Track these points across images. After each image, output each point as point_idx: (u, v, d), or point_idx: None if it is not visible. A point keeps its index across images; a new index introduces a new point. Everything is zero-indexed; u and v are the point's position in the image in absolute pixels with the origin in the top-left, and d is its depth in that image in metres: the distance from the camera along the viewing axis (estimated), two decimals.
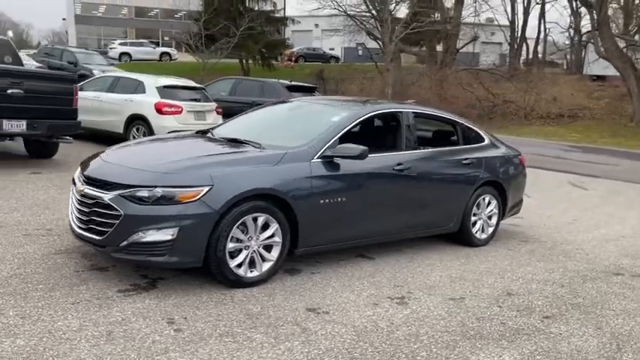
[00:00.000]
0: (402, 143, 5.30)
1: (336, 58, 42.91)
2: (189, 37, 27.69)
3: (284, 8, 37.56)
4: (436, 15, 30.29)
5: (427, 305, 4.18)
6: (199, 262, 3.97)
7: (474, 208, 5.88)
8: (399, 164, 5.09)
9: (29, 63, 17.53)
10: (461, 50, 33.72)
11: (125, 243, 3.86)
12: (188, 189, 3.90)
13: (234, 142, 4.79)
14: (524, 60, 39.59)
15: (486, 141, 6.20)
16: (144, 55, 35.41)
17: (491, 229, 6.12)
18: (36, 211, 5.86)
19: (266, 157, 4.40)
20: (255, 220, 4.17)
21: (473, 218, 5.89)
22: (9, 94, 7.90)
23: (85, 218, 4.12)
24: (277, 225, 4.28)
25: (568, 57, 42.83)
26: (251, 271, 4.23)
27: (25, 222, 5.43)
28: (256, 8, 31.07)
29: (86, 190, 4.14)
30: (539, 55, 40.69)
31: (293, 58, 38.64)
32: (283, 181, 4.28)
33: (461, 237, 5.92)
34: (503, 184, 6.12)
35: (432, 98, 24.93)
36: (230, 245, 4.05)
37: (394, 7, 26.76)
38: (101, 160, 4.50)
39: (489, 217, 6.10)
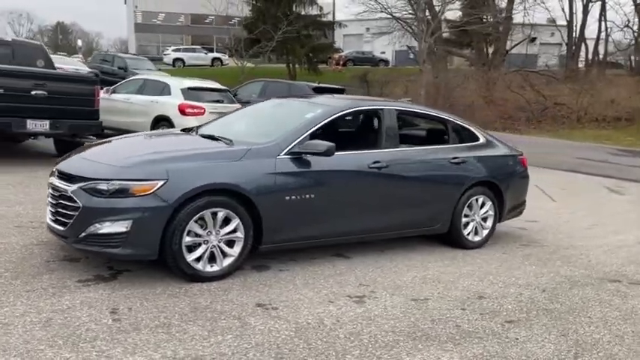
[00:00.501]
0: (381, 141, 5.21)
1: (385, 62, 42.65)
2: (233, 42, 28.32)
3: (333, 12, 37.69)
4: (488, 17, 29.56)
5: (384, 305, 4.08)
6: (154, 254, 4.05)
7: (465, 209, 5.69)
8: (375, 162, 5.00)
9: (82, 68, 18.43)
10: (513, 52, 32.75)
11: (83, 234, 3.99)
12: (143, 182, 3.98)
13: (209, 139, 4.85)
14: (584, 61, 37.91)
15: (481, 140, 5.99)
16: (196, 61, 36.48)
17: (486, 232, 5.90)
18: (39, 205, 6.13)
19: (229, 152, 4.44)
20: (214, 215, 4.20)
21: (464, 219, 5.70)
22: (33, 95, 8.35)
23: (53, 210, 4.30)
24: (239, 220, 4.30)
25: (632, 57, 40.65)
26: (211, 266, 4.27)
27: (23, 215, 5.71)
28: (303, 12, 31.32)
29: (55, 183, 4.31)
30: (600, 56, 38.83)
31: (341, 62, 38.69)
32: (244, 177, 4.30)
33: (452, 238, 5.74)
34: (499, 185, 5.89)
35: (476, 101, 24.35)
36: (187, 239, 4.11)
37: (440, 8, 26.22)
38: (74, 154, 4.68)
39: (484, 219, 5.88)
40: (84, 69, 18.72)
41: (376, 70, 33.57)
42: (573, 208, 8.62)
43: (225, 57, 37.87)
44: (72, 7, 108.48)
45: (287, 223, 4.56)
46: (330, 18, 34.12)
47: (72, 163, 4.42)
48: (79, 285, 3.99)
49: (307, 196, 4.61)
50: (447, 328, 3.76)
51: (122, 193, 3.95)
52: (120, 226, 3.92)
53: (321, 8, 32.58)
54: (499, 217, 6.04)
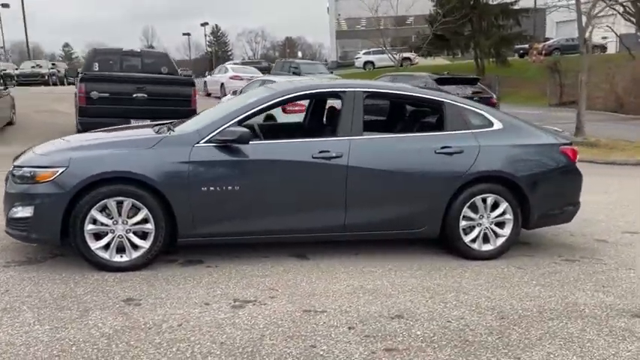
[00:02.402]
0: (339, 127, 4.51)
1: (602, 47, 37.19)
2: (419, 40, 27.76)
3: None
4: None
5: (260, 312, 3.52)
6: (56, 240, 4.13)
7: (466, 210, 4.61)
8: (322, 152, 4.36)
9: (255, 75, 20.05)
10: None
11: (7, 218, 4.27)
12: (46, 169, 4.09)
13: (154, 130, 4.76)
14: None
15: (497, 125, 4.78)
16: (386, 62, 36.59)
17: (501, 240, 4.71)
18: None
19: (141, 140, 4.31)
20: (119, 203, 4.13)
21: (464, 223, 4.63)
22: (134, 97, 9.32)
23: None
24: (147, 211, 4.15)
25: None
26: (120, 256, 4.20)
27: None
28: (492, 2, 29.20)
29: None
30: None
31: (543, 52, 34.97)
32: (151, 165, 4.13)
33: (450, 246, 4.73)
34: (519, 181, 4.64)
35: None
36: (89, 227, 4.10)
37: None
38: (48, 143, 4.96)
39: (498, 225, 4.70)
40: (256, 76, 20.34)
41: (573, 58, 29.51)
42: None
43: (414, 56, 37.33)
44: (300, 22, 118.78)
45: (206, 217, 4.25)
46: (522, 4, 31.01)
47: (27, 153, 4.74)
48: (5, 265, 4.28)
49: (230, 187, 4.24)
50: (292, 348, 3.08)
51: (30, 179, 4.12)
52: (26, 212, 4.10)
53: None
54: (524, 223, 4.76)
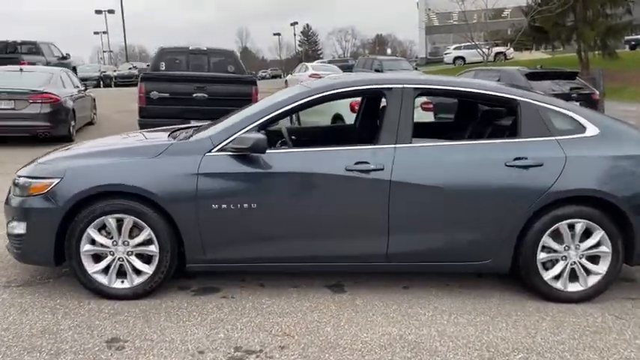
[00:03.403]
0: (382, 132, 3.65)
1: None
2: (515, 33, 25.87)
3: None
4: None
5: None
6: (50, 261, 3.60)
7: (546, 238, 3.59)
8: (359, 162, 3.53)
9: (333, 73, 19.41)
10: None
11: (7, 233, 3.82)
12: (40, 180, 3.57)
13: (171, 134, 4.15)
14: None
15: (591, 131, 3.69)
16: (477, 58, 34.55)
17: (594, 279, 3.64)
18: None
19: (147, 148, 3.69)
20: (119, 222, 3.54)
21: (544, 255, 3.61)
22: (194, 97, 8.93)
23: None
24: (149, 230, 3.53)
25: None
26: (122, 282, 3.62)
27: None
28: None
29: None
30: None
31: None
32: (154, 177, 3.50)
33: (525, 284, 3.73)
34: (620, 204, 3.54)
35: None
36: (86, 247, 3.54)
37: None
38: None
39: (591, 259, 3.64)
40: (334, 73, 19.70)
41: None
42: None
43: (509, 51, 34.93)
44: (391, 20, 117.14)
45: (217, 239, 3.57)
46: None
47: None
48: (5, 285, 3.84)
49: (247, 205, 3.51)
50: None
51: (24, 191, 3.63)
52: (20, 228, 3.61)
53: None
54: (627, 258, 3.65)
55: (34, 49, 20.21)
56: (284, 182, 3.55)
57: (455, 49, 36.93)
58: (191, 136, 3.88)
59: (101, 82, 33.30)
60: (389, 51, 79.21)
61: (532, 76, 10.44)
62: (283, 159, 3.58)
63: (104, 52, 67.78)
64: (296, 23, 65.23)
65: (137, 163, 3.56)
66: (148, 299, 3.60)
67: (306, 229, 3.58)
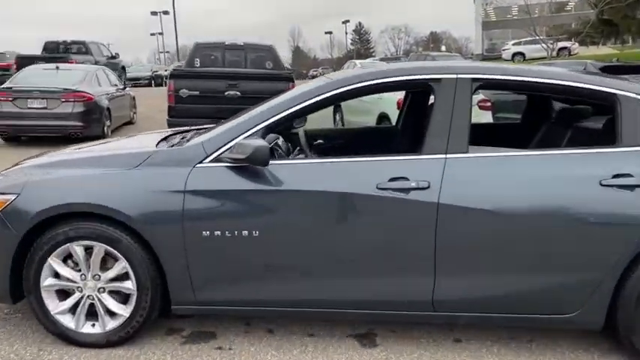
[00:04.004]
0: (427, 138, 2.73)
1: None
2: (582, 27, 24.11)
3: None
4: None
5: None
6: (6, 298, 2.89)
7: None
8: (394, 179, 2.63)
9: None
10: None
11: None
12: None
13: (164, 138, 3.40)
14: None
15: None
16: (538, 53, 32.60)
17: None
18: None
19: (127, 156, 2.89)
20: (88, 250, 2.79)
21: None
22: (226, 95, 8.23)
23: None
24: (125, 263, 2.76)
25: None
26: (92, 326, 2.87)
27: None
28: None
29: None
30: None
31: None
32: (129, 195, 2.72)
33: (623, 344, 2.73)
34: None
35: None
36: (47, 282, 2.81)
37: None
38: None
39: None
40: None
41: None
42: None
43: (574, 46, 32.76)
44: (445, 16, 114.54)
45: (210, 275, 2.76)
46: None
47: None
48: None
49: (246, 232, 2.68)
50: None
51: None
52: None
53: None
54: None
55: (83, 48, 20.28)
56: (293, 203, 2.68)
57: (514, 44, 34.99)
58: (188, 141, 3.08)
59: (152, 82, 33.65)
60: (443, 48, 77.09)
61: (607, 70, 9.15)
62: (293, 172, 2.72)
63: (160, 52, 69.15)
64: (348, 21, 64.35)
65: (108, 176, 2.79)
66: (125, 348, 2.85)
67: (321, 265, 2.71)
